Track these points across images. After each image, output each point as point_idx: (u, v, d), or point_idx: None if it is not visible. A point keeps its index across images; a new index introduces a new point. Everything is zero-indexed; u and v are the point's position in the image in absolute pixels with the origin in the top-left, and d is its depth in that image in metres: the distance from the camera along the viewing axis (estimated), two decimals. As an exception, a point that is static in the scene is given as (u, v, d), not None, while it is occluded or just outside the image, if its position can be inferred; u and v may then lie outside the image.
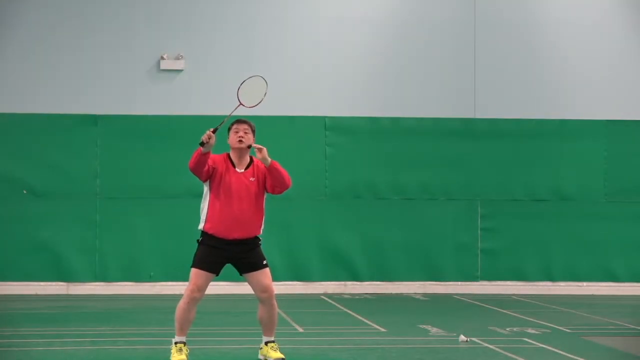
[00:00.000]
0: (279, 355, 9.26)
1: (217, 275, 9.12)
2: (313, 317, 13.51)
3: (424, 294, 16.79)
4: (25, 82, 16.68)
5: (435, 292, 16.90)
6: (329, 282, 16.81)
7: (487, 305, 15.14)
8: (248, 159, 9.24)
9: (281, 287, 16.27)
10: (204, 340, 11.00)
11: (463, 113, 17.26)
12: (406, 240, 16.97)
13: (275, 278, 16.51)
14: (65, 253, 16.41)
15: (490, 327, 12.28)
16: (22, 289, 16.24)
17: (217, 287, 16.31)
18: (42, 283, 16.38)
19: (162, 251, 16.54)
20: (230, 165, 9.15)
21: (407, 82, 17.32)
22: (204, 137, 8.81)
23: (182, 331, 9.09)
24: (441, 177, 17.07)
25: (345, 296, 16.40)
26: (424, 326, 12.19)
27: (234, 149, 9.20)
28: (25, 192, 16.38)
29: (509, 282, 17.12)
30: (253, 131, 9.27)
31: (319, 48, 17.15)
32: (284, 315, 13.54)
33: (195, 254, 9.10)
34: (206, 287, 9.06)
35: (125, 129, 16.63)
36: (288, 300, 15.11)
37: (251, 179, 9.14)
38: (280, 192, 9.28)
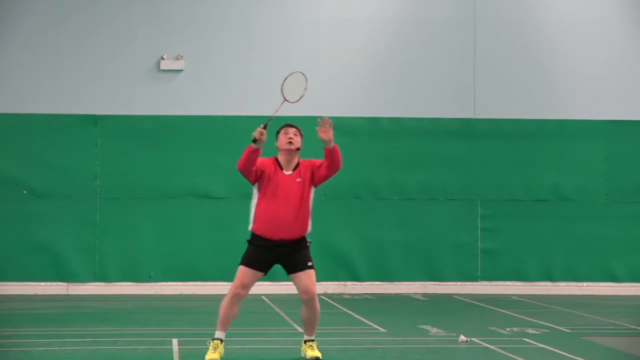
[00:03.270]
0: (316, 353, 9.41)
1: (264, 274, 9.31)
2: (313, 317, 13.49)
3: (424, 294, 16.79)
4: (25, 82, 16.68)
5: (435, 292, 16.90)
6: (329, 282, 16.80)
7: (487, 306, 15.14)
8: (296, 162, 9.42)
9: (281, 287, 16.27)
10: (205, 340, 11.02)
11: (463, 113, 17.26)
12: (406, 240, 16.97)
13: (275, 278, 16.55)
14: (65, 253, 16.40)
15: (490, 327, 12.27)
16: (22, 289, 16.25)
17: (218, 287, 16.34)
18: (42, 283, 16.38)
19: (162, 251, 16.54)
20: (278, 168, 9.33)
21: (407, 82, 17.32)
22: (255, 134, 9.07)
23: (222, 327, 9.31)
24: (441, 177, 17.07)
25: (345, 296, 16.40)
26: (424, 326, 12.19)
27: (282, 150, 9.41)
28: (25, 192, 16.38)
29: (508, 282, 17.12)
30: (301, 135, 9.51)
31: (319, 48, 17.15)
32: (284, 315, 13.55)
33: (244, 253, 9.30)
34: (252, 285, 9.25)
35: (125, 129, 16.63)
36: (288, 301, 15.10)
37: (298, 179, 9.31)
38: (330, 176, 9.39)
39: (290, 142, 9.37)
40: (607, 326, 12.83)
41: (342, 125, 17.09)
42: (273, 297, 15.70)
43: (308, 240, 9.40)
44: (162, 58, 16.87)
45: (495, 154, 17.21)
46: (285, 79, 9.65)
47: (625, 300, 16.27)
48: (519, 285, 17.10)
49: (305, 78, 9.62)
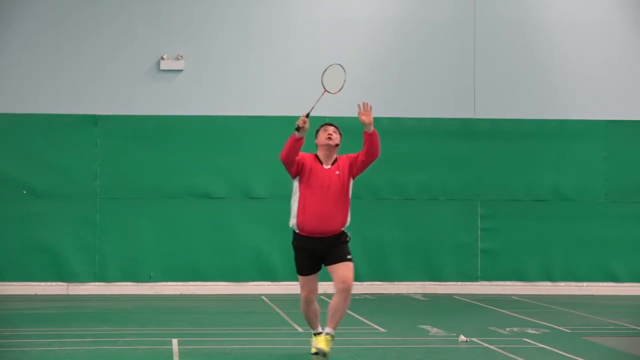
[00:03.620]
0: (325, 346, 9.57)
1: (320, 270, 9.68)
2: (313, 317, 13.49)
3: (424, 294, 16.78)
4: (25, 82, 16.68)
5: (435, 292, 16.90)
6: (328, 283, 16.74)
7: (487, 306, 15.13)
8: (334, 158, 9.71)
9: (281, 288, 16.28)
10: (205, 340, 11.02)
11: (463, 113, 17.26)
12: (406, 240, 16.96)
13: (275, 278, 16.62)
14: (65, 253, 16.40)
15: (490, 327, 12.27)
16: (22, 289, 16.24)
17: (218, 288, 16.34)
18: (42, 283, 16.38)
19: (162, 251, 16.54)
20: (317, 163, 9.64)
21: (407, 82, 17.32)
22: (299, 122, 9.38)
23: (314, 325, 9.82)
24: (441, 177, 17.07)
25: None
26: (424, 326, 12.19)
27: (322, 146, 9.69)
28: (25, 192, 16.37)
29: (508, 283, 17.12)
30: (340, 134, 9.80)
31: (319, 48, 17.14)
32: (284, 315, 13.54)
33: (296, 261, 9.70)
34: (317, 285, 9.71)
35: (125, 129, 16.62)
36: (288, 301, 15.10)
37: (337, 172, 9.59)
38: (368, 163, 9.64)
39: (330, 138, 9.67)
40: (607, 326, 12.83)
41: (341, 125, 16.96)
42: (273, 297, 15.70)
43: (348, 235, 9.68)
44: (162, 58, 16.87)
45: (495, 154, 17.21)
46: (325, 70, 9.87)
47: (625, 300, 16.27)
48: (519, 285, 17.09)
49: (344, 70, 9.85)
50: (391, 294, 16.80)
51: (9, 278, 16.29)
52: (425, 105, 17.24)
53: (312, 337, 9.87)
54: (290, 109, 16.90)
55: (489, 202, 17.13)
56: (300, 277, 9.67)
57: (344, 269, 9.51)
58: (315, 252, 9.57)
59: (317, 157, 9.70)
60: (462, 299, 16.23)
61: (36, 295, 16.16)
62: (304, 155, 9.61)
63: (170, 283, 16.49)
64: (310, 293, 9.63)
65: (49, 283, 16.40)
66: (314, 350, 9.77)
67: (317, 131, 9.81)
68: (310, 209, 9.48)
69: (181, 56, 16.91)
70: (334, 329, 9.64)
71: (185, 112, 16.77)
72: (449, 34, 17.38)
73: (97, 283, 16.47)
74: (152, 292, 16.41)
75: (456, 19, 17.37)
